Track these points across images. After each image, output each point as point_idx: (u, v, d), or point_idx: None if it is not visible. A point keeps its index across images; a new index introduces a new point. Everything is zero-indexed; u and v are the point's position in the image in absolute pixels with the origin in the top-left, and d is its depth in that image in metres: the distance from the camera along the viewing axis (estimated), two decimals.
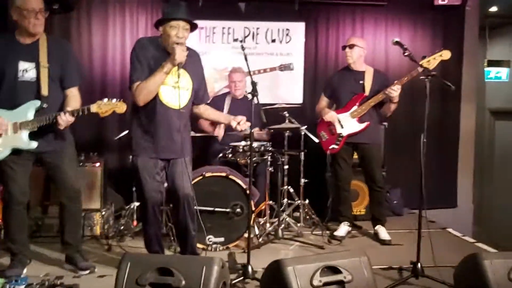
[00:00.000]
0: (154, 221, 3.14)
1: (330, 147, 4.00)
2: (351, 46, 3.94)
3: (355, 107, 3.94)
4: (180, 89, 2.95)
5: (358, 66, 4.00)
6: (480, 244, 4.03)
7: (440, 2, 5.27)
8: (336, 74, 4.22)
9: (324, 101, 4.18)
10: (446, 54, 3.56)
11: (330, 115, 4.01)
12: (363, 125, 3.94)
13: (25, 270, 3.11)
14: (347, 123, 3.97)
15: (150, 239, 3.20)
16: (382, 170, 4.26)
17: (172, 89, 2.99)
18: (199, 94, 3.18)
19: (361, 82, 3.96)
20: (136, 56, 2.98)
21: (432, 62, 3.51)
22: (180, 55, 2.87)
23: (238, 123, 3.09)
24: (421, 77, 3.48)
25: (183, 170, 3.04)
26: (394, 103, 3.86)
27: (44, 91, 2.94)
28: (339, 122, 3.99)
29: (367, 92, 3.93)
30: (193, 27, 3.00)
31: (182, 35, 2.92)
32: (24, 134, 2.92)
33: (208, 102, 3.33)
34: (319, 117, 4.21)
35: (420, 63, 3.43)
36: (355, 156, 4.14)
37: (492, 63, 6.65)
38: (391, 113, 4.02)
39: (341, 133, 3.99)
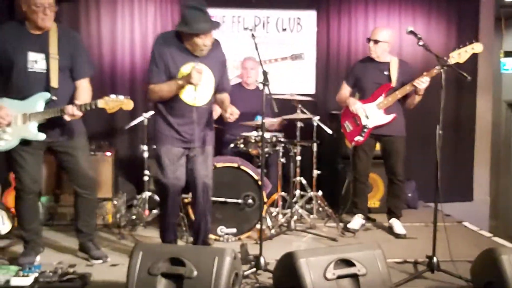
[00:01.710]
0: (173, 209, 3.19)
1: (355, 138, 3.87)
2: (376, 42, 3.81)
3: (381, 98, 3.82)
4: (198, 87, 3.00)
5: (383, 58, 3.87)
6: (496, 239, 3.96)
7: None
8: (359, 63, 4.08)
9: (346, 89, 4.04)
10: (478, 47, 3.41)
11: (357, 106, 3.87)
12: (390, 117, 3.83)
13: (38, 258, 3.13)
14: (373, 114, 3.84)
15: (167, 228, 3.23)
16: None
17: (193, 89, 3.01)
18: (221, 84, 3.21)
19: (386, 73, 3.83)
20: (154, 56, 3.02)
21: (463, 55, 3.38)
22: (196, 79, 2.92)
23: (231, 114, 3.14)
24: (436, 68, 3.41)
25: (204, 160, 3.15)
26: (419, 95, 3.75)
27: (54, 83, 2.92)
28: (365, 113, 3.88)
29: (393, 83, 3.81)
30: None
31: (209, 42, 2.99)
32: (33, 125, 2.91)
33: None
34: (341, 106, 4.09)
35: (450, 55, 3.32)
36: (377, 148, 4.03)
37: (508, 54, 6.52)
38: (414, 106, 3.91)
39: (366, 125, 3.85)
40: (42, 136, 2.92)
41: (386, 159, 3.96)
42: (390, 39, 3.88)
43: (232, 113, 3.13)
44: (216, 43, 3.15)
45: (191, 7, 2.95)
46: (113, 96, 2.88)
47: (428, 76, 3.60)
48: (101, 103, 2.85)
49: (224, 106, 3.24)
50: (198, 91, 3.02)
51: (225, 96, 3.27)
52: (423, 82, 3.60)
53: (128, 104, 2.90)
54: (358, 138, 3.88)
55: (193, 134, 3.10)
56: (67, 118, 2.85)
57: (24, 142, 2.95)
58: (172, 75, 3.02)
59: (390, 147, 3.90)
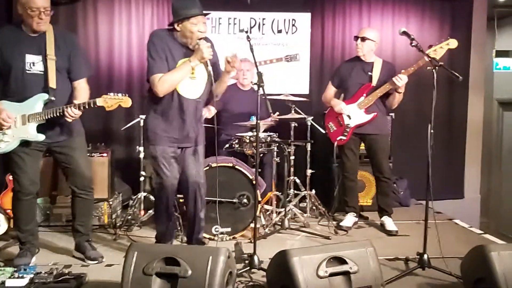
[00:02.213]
0: (170, 209, 3.21)
1: (338, 138, 3.99)
2: (363, 39, 3.89)
3: (362, 98, 3.93)
4: (195, 79, 3.04)
5: (368, 58, 3.96)
6: (487, 236, 4.02)
7: None
8: (345, 64, 4.17)
9: (331, 90, 4.14)
10: (453, 43, 3.52)
11: (339, 107, 3.98)
12: (370, 116, 3.93)
13: (33, 259, 3.15)
14: (355, 114, 3.95)
15: (166, 229, 3.23)
16: (389, 161, 4.23)
17: (189, 80, 3.04)
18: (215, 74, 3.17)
19: (369, 73, 3.93)
20: (155, 48, 3.00)
21: (439, 51, 3.48)
22: (207, 52, 2.94)
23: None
24: (428, 68, 3.45)
25: (195, 158, 3.17)
26: (399, 93, 3.83)
27: (52, 83, 2.95)
28: (347, 113, 3.97)
29: (374, 83, 3.90)
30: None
31: (204, 28, 3.00)
32: (32, 126, 2.94)
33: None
34: (327, 106, 4.18)
35: (427, 52, 3.36)
36: (362, 146, 4.13)
37: (500, 54, 6.58)
38: (397, 105, 3.98)
39: (348, 124, 3.97)
40: (41, 137, 2.96)
41: (372, 158, 4.04)
42: (377, 39, 3.96)
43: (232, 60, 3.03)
44: (208, 39, 3.14)
45: None
46: (111, 94, 2.91)
47: (406, 74, 3.68)
48: (100, 101, 2.88)
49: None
50: (189, 84, 3.04)
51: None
52: (400, 80, 3.68)
53: (126, 101, 2.92)
54: (341, 138, 3.98)
55: (187, 133, 3.11)
56: (68, 119, 2.89)
57: (24, 144, 2.98)
58: (170, 69, 3.01)
59: (375, 146, 3.98)
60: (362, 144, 4.12)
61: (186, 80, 3.03)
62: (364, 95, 3.92)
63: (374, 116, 3.91)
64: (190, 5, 2.95)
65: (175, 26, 3.00)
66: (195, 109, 3.13)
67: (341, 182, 4.18)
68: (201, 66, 3.06)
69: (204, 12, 2.98)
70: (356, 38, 3.96)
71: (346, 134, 3.97)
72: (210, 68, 3.04)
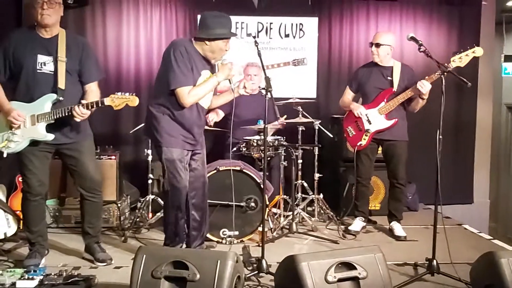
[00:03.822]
0: (182, 213, 3.25)
1: (358, 143, 3.93)
2: (378, 45, 3.85)
3: (383, 103, 3.87)
4: None
5: (386, 62, 3.91)
6: (496, 241, 3.99)
7: None
8: (362, 68, 4.12)
9: (349, 94, 4.09)
10: (479, 51, 3.45)
11: (359, 111, 3.93)
12: (391, 122, 3.87)
13: (43, 260, 3.16)
14: (375, 119, 3.89)
15: (179, 231, 3.26)
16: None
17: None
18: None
19: (388, 78, 3.87)
20: (183, 59, 3.05)
21: (464, 59, 3.42)
22: (234, 71, 3.16)
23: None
24: (437, 73, 3.45)
25: (202, 161, 3.34)
26: (423, 99, 3.78)
27: (61, 84, 2.99)
28: (367, 118, 3.92)
29: (395, 88, 3.86)
30: None
31: (229, 46, 3.15)
32: (41, 126, 2.98)
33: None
34: (344, 111, 4.14)
35: (452, 59, 3.38)
36: (379, 151, 4.07)
37: (509, 58, 6.55)
38: (418, 109, 3.94)
39: (368, 129, 3.91)
40: (50, 137, 2.99)
41: (388, 163, 4.00)
42: (392, 42, 3.91)
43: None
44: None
45: (215, 15, 3.11)
46: (118, 93, 2.95)
47: (429, 80, 3.63)
48: (107, 100, 2.92)
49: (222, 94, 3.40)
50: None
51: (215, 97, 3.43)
52: (424, 86, 3.63)
53: (133, 100, 2.95)
54: (361, 143, 3.93)
55: (199, 138, 3.27)
56: (76, 119, 2.92)
57: (33, 144, 3.01)
58: (194, 80, 3.11)
59: (392, 152, 3.94)
60: (379, 150, 4.06)
61: None
62: (385, 100, 3.87)
63: (395, 123, 3.86)
64: (225, 24, 3.09)
65: (205, 41, 3.08)
66: (202, 115, 3.28)
67: (354, 187, 4.12)
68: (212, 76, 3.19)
69: (236, 33, 3.18)
70: (371, 44, 3.92)
71: (365, 139, 3.91)
72: (232, 84, 3.22)
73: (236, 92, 3.22)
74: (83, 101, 2.94)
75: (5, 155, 3.00)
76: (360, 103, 4.06)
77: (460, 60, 3.43)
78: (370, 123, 3.91)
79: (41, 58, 2.99)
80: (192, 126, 3.17)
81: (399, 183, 3.96)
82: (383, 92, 3.89)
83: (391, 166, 3.97)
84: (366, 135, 3.91)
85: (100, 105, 2.92)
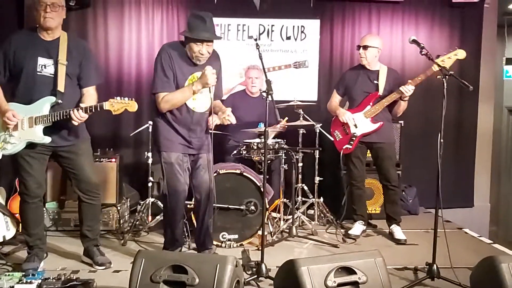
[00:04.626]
0: (181, 216, 3.24)
1: (344, 147, 3.97)
2: (365, 47, 3.88)
3: (368, 107, 3.91)
4: (202, 93, 3.12)
5: (373, 66, 3.95)
6: (497, 246, 3.97)
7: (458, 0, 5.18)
8: (350, 72, 4.16)
9: (337, 98, 4.13)
10: (461, 54, 3.50)
11: (346, 117, 3.96)
12: (376, 125, 3.91)
13: (41, 264, 3.16)
14: (361, 123, 3.93)
15: (177, 234, 3.27)
16: (397, 169, 4.21)
17: (197, 95, 3.11)
18: (216, 92, 3.27)
19: (375, 81, 3.92)
20: (162, 65, 3.09)
21: (447, 61, 3.45)
22: (212, 79, 3.02)
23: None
24: (438, 77, 3.44)
25: (205, 165, 3.24)
26: (404, 101, 3.82)
27: (61, 87, 2.99)
28: (354, 122, 3.95)
29: (380, 92, 3.89)
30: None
31: (205, 51, 3.06)
32: (39, 128, 2.97)
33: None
34: (333, 115, 4.17)
35: (435, 61, 3.37)
36: (369, 154, 4.11)
37: (510, 61, 6.53)
38: (401, 113, 3.98)
39: (355, 133, 3.95)
40: (47, 139, 2.98)
41: (379, 166, 4.03)
42: (379, 45, 3.95)
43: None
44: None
45: (195, 16, 3.06)
46: (118, 98, 2.94)
47: (413, 84, 3.67)
48: (106, 105, 2.91)
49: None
50: (198, 98, 3.11)
51: (218, 102, 3.35)
52: (408, 90, 3.68)
53: (132, 105, 2.95)
54: (347, 147, 3.96)
55: (196, 141, 3.21)
56: (74, 122, 2.91)
57: (30, 146, 3.01)
58: (179, 85, 3.10)
59: (382, 154, 3.96)
60: (369, 152, 4.10)
61: (196, 95, 3.10)
62: (371, 104, 3.91)
63: (381, 126, 3.90)
64: (200, 27, 3.01)
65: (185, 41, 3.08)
66: (202, 121, 3.23)
67: (349, 190, 4.16)
68: None
69: (209, 38, 3.02)
70: (359, 47, 3.96)
71: (352, 143, 3.95)
72: (212, 94, 3.12)
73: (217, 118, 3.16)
74: (82, 105, 2.93)
75: (0, 157, 2.99)
76: (346, 107, 4.09)
77: (443, 62, 3.43)
78: (356, 127, 3.95)
79: (41, 60, 2.99)
80: (184, 129, 3.17)
81: (392, 185, 3.98)
82: (368, 96, 3.93)
83: (383, 169, 3.99)
84: (353, 139, 3.95)
85: (99, 109, 2.91)
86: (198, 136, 3.22)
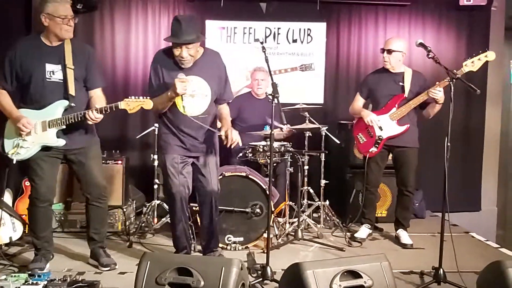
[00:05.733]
0: (182, 215, 3.24)
1: (370, 150, 3.88)
2: (389, 51, 3.81)
3: (394, 109, 3.83)
4: (195, 97, 3.12)
5: (397, 69, 3.87)
6: (504, 250, 3.94)
7: (465, 2, 5.15)
8: (372, 75, 4.08)
9: (360, 101, 4.04)
10: (491, 55, 3.43)
11: (370, 118, 3.87)
12: (403, 128, 3.84)
13: (48, 265, 3.17)
14: (387, 126, 3.85)
15: (179, 236, 3.28)
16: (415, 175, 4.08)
17: (189, 98, 3.10)
18: (220, 95, 3.27)
19: (400, 83, 3.84)
20: (152, 71, 3.17)
21: (476, 63, 3.40)
22: (180, 88, 2.96)
23: (226, 137, 3.11)
24: (445, 80, 3.42)
25: (207, 167, 3.23)
26: (439, 104, 3.74)
27: (72, 91, 3.02)
28: (379, 124, 3.87)
29: (406, 94, 3.82)
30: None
31: (185, 54, 3.03)
32: (52, 131, 3.01)
33: (230, 101, 3.41)
34: (355, 118, 4.11)
35: (464, 64, 3.38)
36: (389, 158, 4.03)
37: None
38: (434, 115, 3.90)
39: (380, 136, 3.86)
40: (62, 142, 3.02)
41: (398, 170, 3.96)
42: (404, 48, 3.88)
43: (227, 137, 3.09)
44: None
45: (175, 19, 3.06)
46: (132, 97, 2.97)
47: (441, 86, 3.60)
48: (122, 104, 2.94)
49: (222, 121, 3.27)
50: (189, 101, 3.09)
51: (223, 108, 3.32)
52: (439, 92, 3.62)
53: (148, 103, 2.97)
54: (372, 149, 3.89)
55: (193, 143, 3.20)
56: (89, 122, 2.95)
57: (44, 150, 3.04)
58: (168, 88, 3.08)
59: (403, 159, 3.90)
60: (389, 157, 4.02)
61: (186, 98, 3.07)
62: (396, 106, 3.83)
63: (407, 129, 3.82)
64: (176, 31, 3.00)
65: None
66: (198, 124, 3.15)
67: (361, 194, 4.09)
68: (203, 82, 3.14)
69: (183, 42, 2.98)
70: (383, 50, 3.88)
71: (377, 145, 3.86)
72: (210, 98, 3.15)
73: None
74: (97, 106, 2.97)
75: (14, 162, 3.02)
76: (370, 110, 4.03)
77: (473, 64, 3.41)
78: (381, 130, 3.87)
79: (49, 67, 3.01)
80: (179, 132, 3.18)
81: (408, 191, 3.93)
82: (394, 97, 3.85)
83: (401, 173, 3.93)
84: (378, 142, 3.87)
85: (114, 109, 2.94)
86: (194, 139, 3.19)
